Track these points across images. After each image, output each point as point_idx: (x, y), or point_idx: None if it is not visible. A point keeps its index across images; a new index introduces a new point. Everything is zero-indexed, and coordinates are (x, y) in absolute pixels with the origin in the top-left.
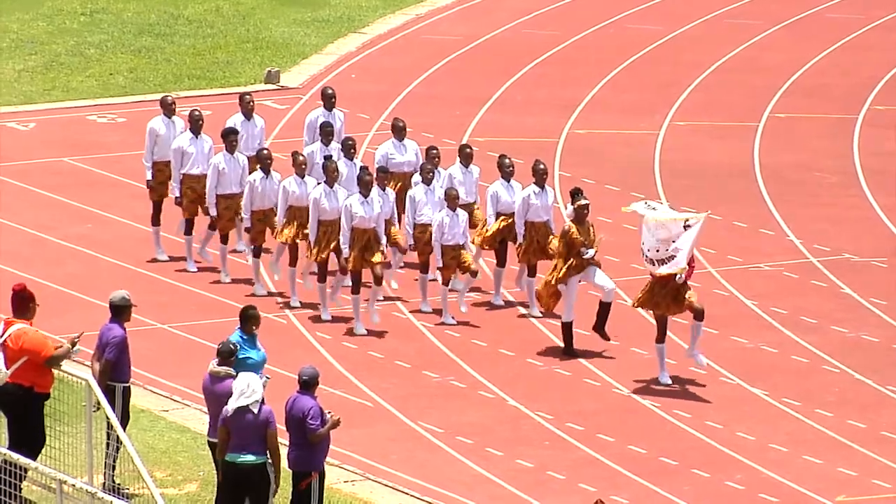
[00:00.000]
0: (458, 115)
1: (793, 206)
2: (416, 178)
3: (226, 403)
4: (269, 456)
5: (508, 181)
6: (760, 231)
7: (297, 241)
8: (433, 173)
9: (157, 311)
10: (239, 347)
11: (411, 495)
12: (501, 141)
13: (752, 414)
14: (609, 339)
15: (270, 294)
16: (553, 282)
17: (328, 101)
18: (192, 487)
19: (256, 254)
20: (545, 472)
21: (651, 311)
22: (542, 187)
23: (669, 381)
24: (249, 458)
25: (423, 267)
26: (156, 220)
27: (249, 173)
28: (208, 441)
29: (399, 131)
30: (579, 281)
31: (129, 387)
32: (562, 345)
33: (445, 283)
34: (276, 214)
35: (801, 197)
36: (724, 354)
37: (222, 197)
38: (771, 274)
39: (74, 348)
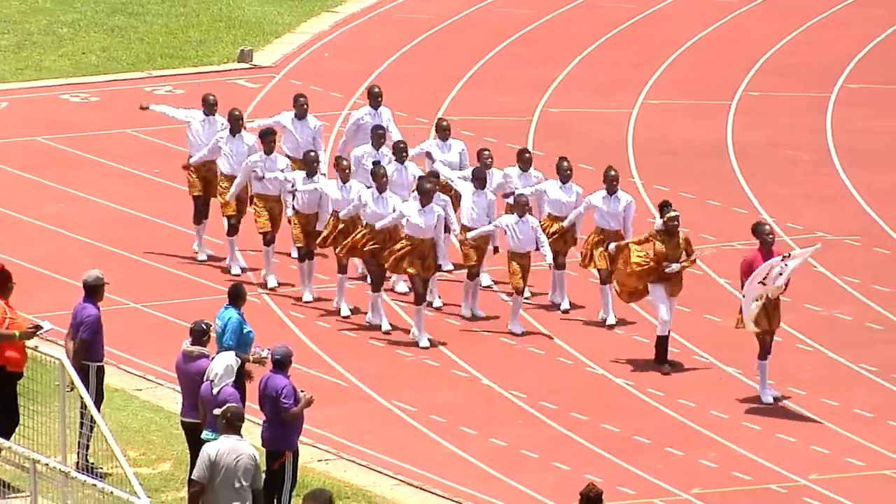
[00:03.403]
0: (432, 93)
1: (766, 184)
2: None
3: (199, 382)
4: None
5: (566, 183)
6: (733, 209)
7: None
8: (486, 178)
9: (131, 290)
10: (242, 324)
11: (385, 474)
12: (475, 119)
13: (725, 392)
14: (671, 371)
15: (319, 300)
16: (628, 269)
17: (374, 99)
18: (166, 466)
19: (302, 257)
20: (519, 451)
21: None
22: (613, 193)
23: (771, 400)
24: (208, 435)
25: (471, 274)
26: (198, 220)
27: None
28: (181, 420)
29: (443, 131)
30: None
31: (103, 366)
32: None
33: (517, 290)
34: (318, 220)
35: (773, 175)
36: (698, 333)
37: (258, 197)
38: (744, 252)
39: (41, 330)
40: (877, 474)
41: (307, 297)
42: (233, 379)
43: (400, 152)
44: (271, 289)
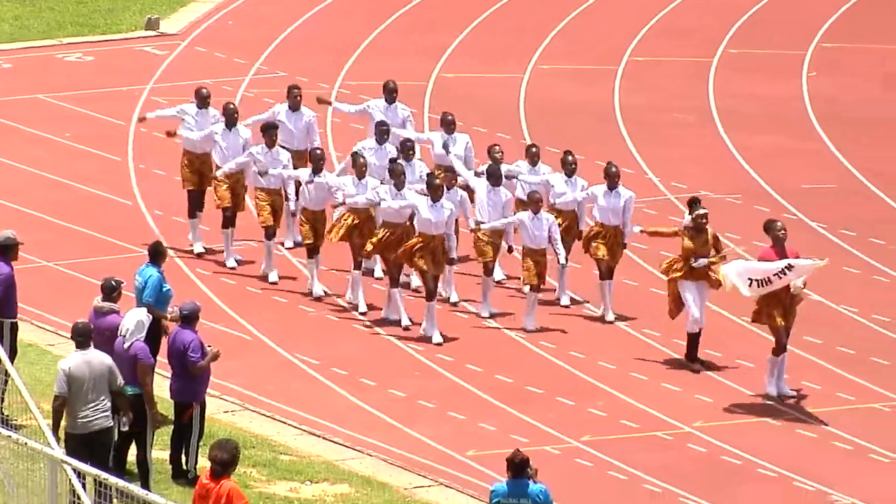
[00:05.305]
0: (332, 61)
1: (651, 145)
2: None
3: (109, 337)
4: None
5: (571, 177)
6: (621, 169)
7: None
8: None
9: (45, 250)
10: (162, 282)
11: (288, 424)
12: (372, 85)
13: (613, 345)
14: (700, 370)
15: (327, 294)
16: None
17: (389, 94)
18: None
19: (310, 254)
20: (416, 402)
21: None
22: (613, 189)
23: (784, 392)
24: (126, 388)
25: (487, 270)
26: (193, 213)
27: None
28: None
29: (448, 125)
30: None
31: (17, 322)
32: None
33: (532, 286)
34: (325, 218)
35: (659, 137)
36: (586, 287)
37: (260, 190)
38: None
39: None
40: (756, 421)
41: (317, 290)
42: (144, 334)
43: (407, 150)
44: (273, 283)
